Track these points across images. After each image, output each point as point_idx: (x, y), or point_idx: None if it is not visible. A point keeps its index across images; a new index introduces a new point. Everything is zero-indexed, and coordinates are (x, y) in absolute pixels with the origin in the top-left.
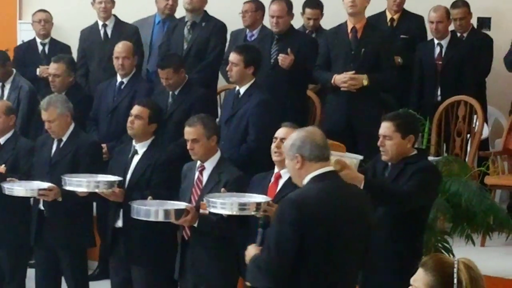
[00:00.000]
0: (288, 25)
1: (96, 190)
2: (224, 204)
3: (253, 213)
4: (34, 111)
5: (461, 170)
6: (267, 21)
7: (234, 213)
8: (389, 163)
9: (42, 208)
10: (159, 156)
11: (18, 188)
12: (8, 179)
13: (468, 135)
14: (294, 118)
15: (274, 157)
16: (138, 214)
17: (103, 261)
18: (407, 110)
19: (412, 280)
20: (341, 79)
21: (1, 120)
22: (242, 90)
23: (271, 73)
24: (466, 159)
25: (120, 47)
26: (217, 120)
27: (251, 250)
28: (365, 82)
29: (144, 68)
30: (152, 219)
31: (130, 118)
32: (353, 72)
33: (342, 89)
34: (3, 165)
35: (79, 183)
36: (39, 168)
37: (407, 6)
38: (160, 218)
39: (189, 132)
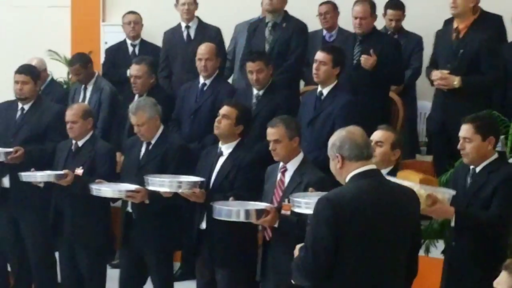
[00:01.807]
0: (371, 26)
1: (179, 191)
2: (308, 204)
3: None
4: (115, 112)
5: None
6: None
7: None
8: (471, 168)
9: (130, 210)
10: (243, 157)
11: (106, 189)
12: (96, 180)
13: None
14: (377, 120)
15: None
16: (219, 215)
17: (185, 262)
18: (490, 111)
19: (495, 283)
20: (434, 77)
21: (78, 125)
22: (325, 91)
23: (353, 74)
24: None
25: (203, 49)
26: None
27: (298, 249)
28: (456, 84)
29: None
30: (233, 219)
31: (218, 118)
32: (448, 72)
33: (435, 87)
34: (81, 168)
35: (162, 183)
36: (127, 171)
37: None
38: (242, 218)
39: (271, 133)
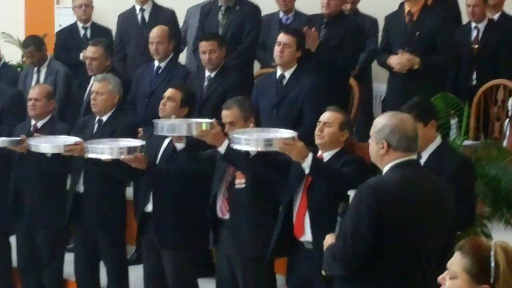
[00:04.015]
0: (339, 8)
1: (120, 157)
2: (248, 140)
3: (278, 149)
4: (70, 95)
5: (500, 154)
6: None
7: (259, 149)
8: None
9: (79, 191)
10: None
11: (44, 145)
12: (35, 134)
13: (507, 120)
14: (338, 102)
15: (317, 140)
16: (161, 130)
17: (140, 246)
18: (445, 93)
19: (449, 264)
20: (395, 61)
21: (41, 103)
22: (287, 74)
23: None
24: (505, 144)
25: (155, 32)
26: None
27: (328, 239)
28: (416, 66)
29: None
30: (176, 133)
31: (162, 101)
32: (407, 54)
33: (394, 70)
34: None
35: (102, 150)
36: None
37: None
38: (183, 132)
39: (226, 115)
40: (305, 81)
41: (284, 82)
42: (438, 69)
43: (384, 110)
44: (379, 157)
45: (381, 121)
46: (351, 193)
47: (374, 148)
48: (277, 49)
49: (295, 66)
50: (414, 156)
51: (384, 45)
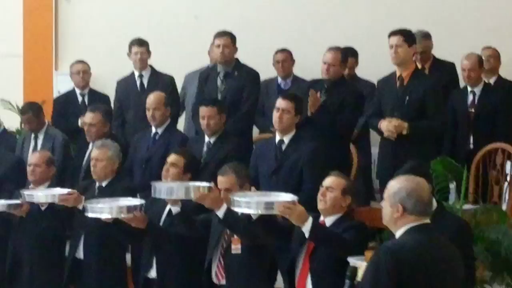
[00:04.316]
0: (339, 74)
1: (120, 216)
2: (248, 204)
3: (278, 212)
4: (68, 160)
5: (500, 218)
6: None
7: (260, 212)
8: None
9: (78, 257)
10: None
11: (39, 194)
12: (30, 186)
13: (506, 183)
14: (337, 167)
15: (319, 206)
16: (159, 193)
17: None
18: (443, 158)
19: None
20: (383, 126)
21: (41, 170)
22: (286, 139)
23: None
24: (504, 207)
25: (151, 99)
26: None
27: None
28: (404, 131)
29: None
30: (174, 197)
31: (165, 166)
32: (395, 120)
33: (384, 135)
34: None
35: (101, 210)
36: None
37: (438, 53)
38: (181, 195)
39: (222, 181)
40: (305, 146)
41: (283, 147)
42: (429, 135)
43: (378, 177)
44: (393, 220)
45: (397, 185)
46: (352, 260)
47: (388, 211)
48: (275, 114)
49: (294, 131)
50: (428, 220)
51: (376, 109)
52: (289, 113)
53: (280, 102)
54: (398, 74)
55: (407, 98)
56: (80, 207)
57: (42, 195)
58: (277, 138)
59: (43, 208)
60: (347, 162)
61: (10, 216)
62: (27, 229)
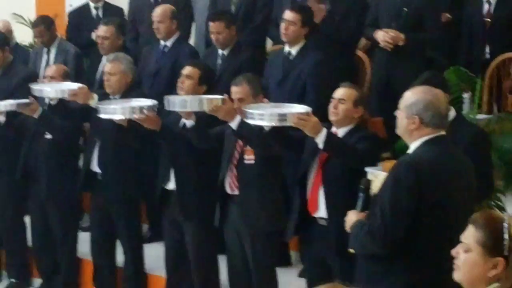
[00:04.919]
0: None
1: (133, 116)
2: (262, 115)
3: (292, 124)
4: (81, 74)
5: None
6: None
7: (273, 123)
8: None
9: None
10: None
11: (48, 89)
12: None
13: None
14: (344, 79)
15: (332, 117)
16: (173, 106)
17: (152, 224)
18: (457, 67)
19: (462, 237)
20: (379, 37)
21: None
22: (294, 50)
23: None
24: None
25: (157, 11)
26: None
27: (352, 216)
28: (400, 42)
29: None
30: (187, 109)
31: (180, 78)
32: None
33: (381, 45)
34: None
35: (114, 110)
36: None
37: None
38: (194, 107)
39: (235, 91)
40: (309, 58)
41: (291, 58)
42: (423, 47)
43: (371, 84)
44: (409, 132)
45: (414, 96)
46: (370, 170)
47: (404, 122)
48: (282, 26)
49: (302, 43)
50: (444, 132)
51: (372, 20)
52: (295, 25)
53: (287, 14)
54: None
55: (405, 9)
56: (91, 103)
57: (51, 89)
58: (286, 49)
59: (53, 103)
60: (353, 72)
61: (23, 126)
62: (41, 140)
